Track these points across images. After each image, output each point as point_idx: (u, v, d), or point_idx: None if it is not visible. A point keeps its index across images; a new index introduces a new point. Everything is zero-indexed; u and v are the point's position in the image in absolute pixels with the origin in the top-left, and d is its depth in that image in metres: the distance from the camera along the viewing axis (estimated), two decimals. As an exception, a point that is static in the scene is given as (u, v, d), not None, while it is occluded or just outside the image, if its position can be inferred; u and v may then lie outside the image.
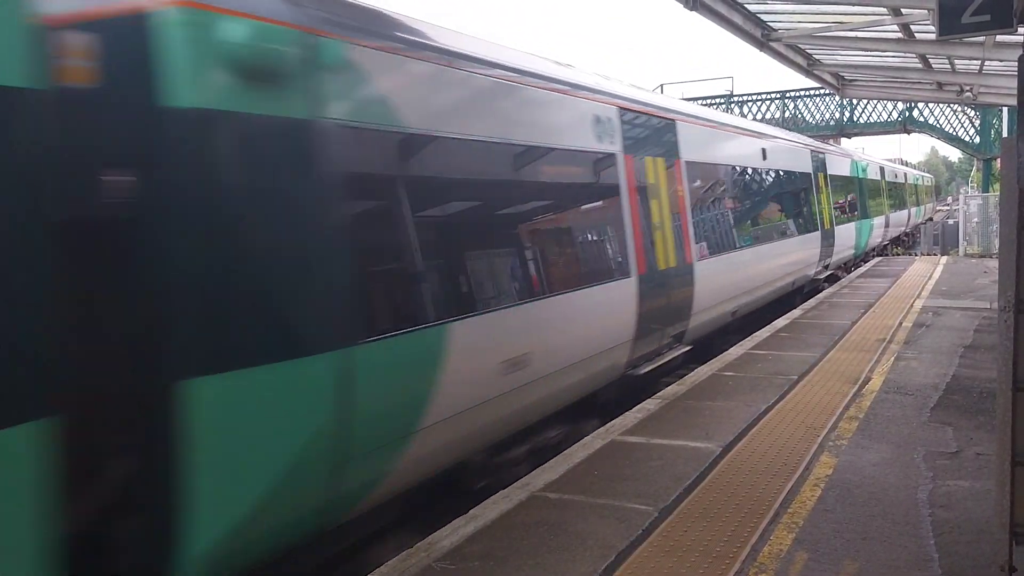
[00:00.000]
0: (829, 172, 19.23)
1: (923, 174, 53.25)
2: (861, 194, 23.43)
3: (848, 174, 22.31)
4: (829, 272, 19.11)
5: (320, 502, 4.61)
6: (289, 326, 4.40)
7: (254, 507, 4.14)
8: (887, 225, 28.58)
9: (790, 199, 15.75)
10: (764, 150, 13.97)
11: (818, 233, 17.17)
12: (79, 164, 3.92)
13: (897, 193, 33.07)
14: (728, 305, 11.55)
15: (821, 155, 18.91)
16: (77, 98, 3.93)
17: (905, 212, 35.03)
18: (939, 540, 4.82)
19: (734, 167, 12.74)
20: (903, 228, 34.68)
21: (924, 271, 21.03)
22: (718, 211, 11.69)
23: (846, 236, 20.44)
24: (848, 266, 22.82)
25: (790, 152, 16.16)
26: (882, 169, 29.37)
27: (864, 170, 24.65)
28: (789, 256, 14.86)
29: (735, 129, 13.44)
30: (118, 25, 4.03)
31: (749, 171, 13.46)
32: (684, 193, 9.97)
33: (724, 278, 11.13)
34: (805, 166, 16.97)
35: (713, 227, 11.25)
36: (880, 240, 27.79)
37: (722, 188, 11.99)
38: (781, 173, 15.13)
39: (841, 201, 20.67)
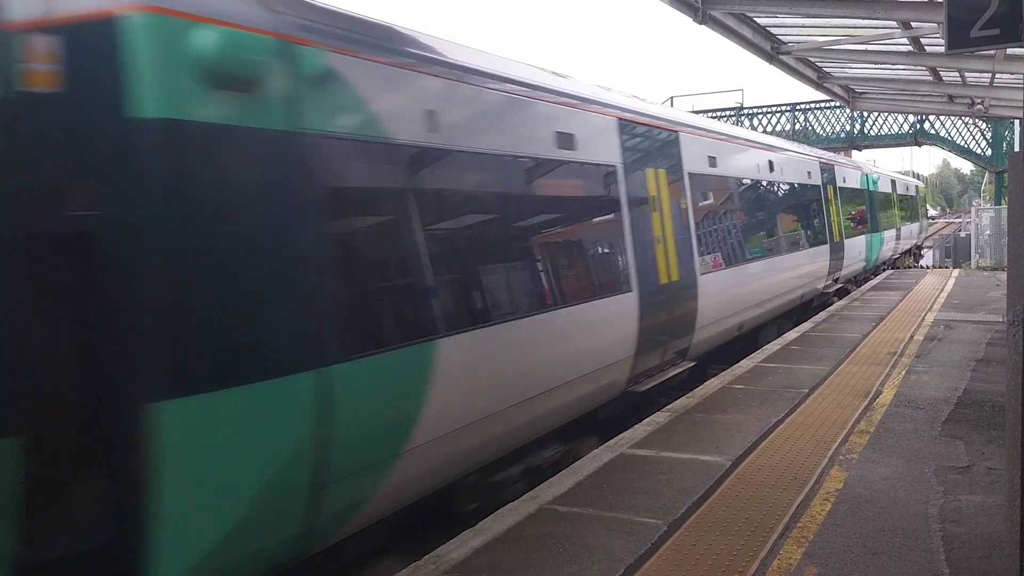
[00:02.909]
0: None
1: (898, 176, 33.39)
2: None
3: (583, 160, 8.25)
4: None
5: (299, 527, 4.38)
6: (266, 345, 4.18)
7: (227, 534, 3.91)
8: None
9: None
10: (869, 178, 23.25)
11: None
12: (42, 175, 3.76)
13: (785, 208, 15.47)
14: (856, 266, 21.13)
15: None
16: (42, 104, 3.78)
17: (829, 246, 17.48)
18: (950, 555, 4.80)
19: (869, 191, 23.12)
20: (824, 280, 17.66)
21: (936, 284, 20.94)
22: (852, 216, 20.74)
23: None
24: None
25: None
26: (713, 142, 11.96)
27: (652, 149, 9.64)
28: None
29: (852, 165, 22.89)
30: (84, 31, 3.81)
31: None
32: (838, 205, 18.72)
33: (855, 249, 20.45)
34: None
35: (850, 223, 20.14)
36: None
37: (859, 204, 21.99)
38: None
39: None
